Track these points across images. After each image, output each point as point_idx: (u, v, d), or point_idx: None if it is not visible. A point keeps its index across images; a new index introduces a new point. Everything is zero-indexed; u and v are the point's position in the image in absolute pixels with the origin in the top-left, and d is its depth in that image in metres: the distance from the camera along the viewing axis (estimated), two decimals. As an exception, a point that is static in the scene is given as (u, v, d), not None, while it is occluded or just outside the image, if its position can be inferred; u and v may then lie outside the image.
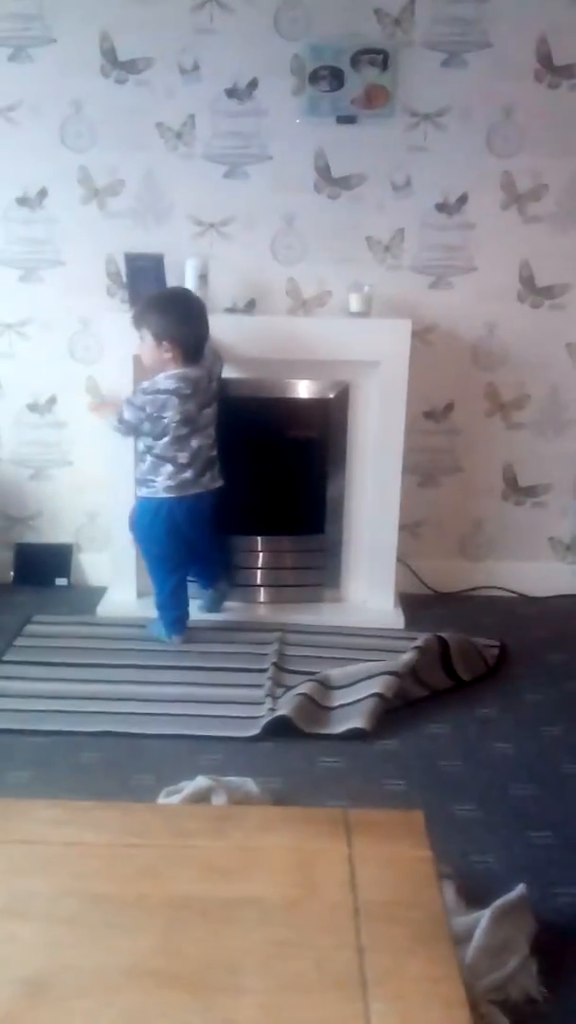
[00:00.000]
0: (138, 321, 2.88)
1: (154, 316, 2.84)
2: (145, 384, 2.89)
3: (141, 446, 2.99)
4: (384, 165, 3.14)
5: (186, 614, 3.11)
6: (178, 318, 2.84)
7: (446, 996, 1.00)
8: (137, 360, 3.10)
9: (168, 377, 2.85)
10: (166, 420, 2.86)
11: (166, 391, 2.84)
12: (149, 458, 2.94)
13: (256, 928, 1.09)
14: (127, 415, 2.88)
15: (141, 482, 2.99)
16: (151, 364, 2.91)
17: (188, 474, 2.94)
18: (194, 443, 2.92)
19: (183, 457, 2.92)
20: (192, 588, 3.18)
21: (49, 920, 1.09)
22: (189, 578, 3.15)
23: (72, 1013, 0.96)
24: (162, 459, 2.91)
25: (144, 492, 2.98)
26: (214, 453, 3.00)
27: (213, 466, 3.01)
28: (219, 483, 3.03)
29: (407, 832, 1.27)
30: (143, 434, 2.92)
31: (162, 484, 2.93)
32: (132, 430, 2.94)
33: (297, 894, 1.15)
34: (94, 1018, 0.95)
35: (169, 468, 2.92)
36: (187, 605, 3.11)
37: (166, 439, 2.89)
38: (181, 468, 2.92)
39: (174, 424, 2.87)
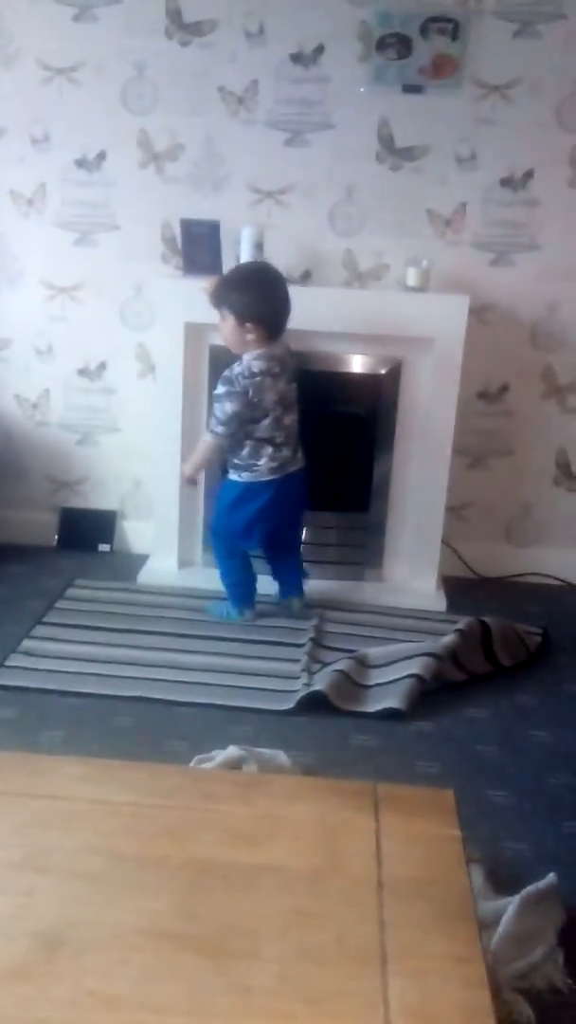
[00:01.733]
0: (217, 300, 2.79)
1: (235, 295, 2.76)
2: (236, 370, 2.78)
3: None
4: (449, 137, 3.07)
5: (255, 588, 3.08)
6: (261, 297, 2.76)
7: (467, 976, 0.97)
8: (188, 329, 3.09)
9: (257, 358, 2.77)
10: (265, 402, 2.80)
11: (260, 373, 2.77)
12: (249, 442, 2.85)
13: (277, 896, 1.07)
14: (221, 412, 2.78)
15: (241, 467, 2.88)
16: (233, 344, 2.83)
17: (287, 452, 2.89)
18: (287, 421, 2.87)
19: (280, 437, 2.86)
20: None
21: (69, 875, 1.08)
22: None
23: (86, 969, 0.95)
24: (263, 441, 2.84)
25: (245, 476, 2.88)
26: (298, 429, 2.94)
27: (299, 442, 2.95)
28: (304, 460, 2.97)
29: (437, 810, 1.24)
30: (243, 422, 2.81)
31: (266, 466, 2.86)
32: (229, 424, 2.80)
33: (321, 865, 1.13)
34: (108, 975, 0.94)
35: (270, 450, 2.85)
36: (255, 579, 3.08)
37: (266, 421, 2.82)
38: (279, 447, 2.87)
39: (271, 404, 2.81)
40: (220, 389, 2.79)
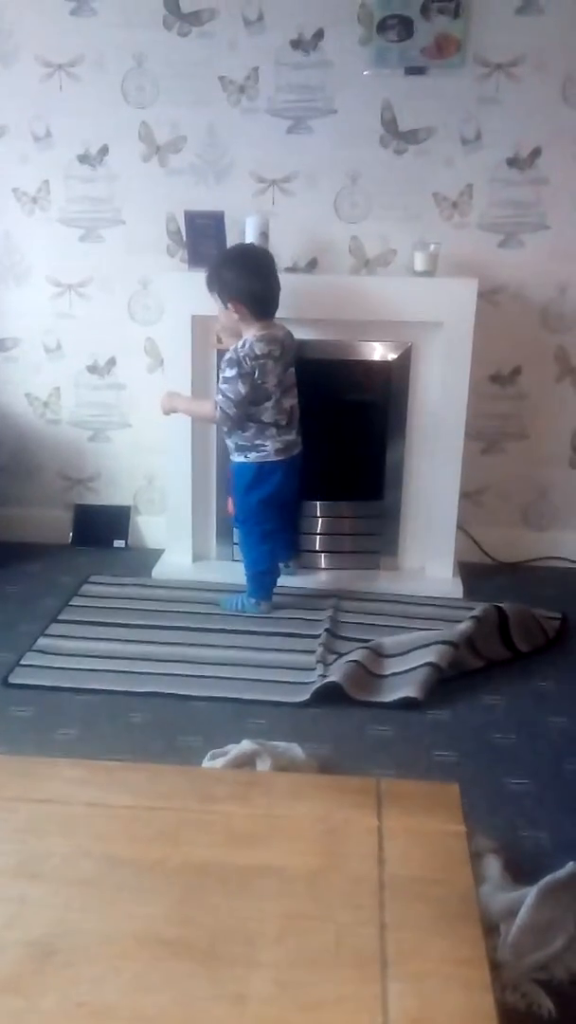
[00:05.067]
0: (209, 286, 2.81)
1: (218, 279, 2.77)
2: (241, 351, 2.76)
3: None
4: (453, 118, 3.02)
5: (276, 580, 3.08)
6: (242, 276, 2.76)
7: (469, 979, 0.95)
8: (196, 322, 3.06)
9: (260, 340, 2.76)
10: (268, 384, 2.80)
11: (264, 355, 2.76)
12: (252, 425, 2.85)
13: (275, 899, 1.05)
14: (233, 392, 2.76)
15: (247, 448, 2.88)
16: (227, 326, 2.85)
17: (291, 435, 2.91)
18: (287, 403, 2.87)
19: (283, 419, 2.87)
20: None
21: (62, 882, 1.06)
22: None
23: (78, 979, 0.93)
24: (267, 423, 2.85)
25: (253, 456, 2.88)
26: (298, 413, 2.95)
27: (299, 426, 2.96)
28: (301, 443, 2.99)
29: (441, 805, 1.21)
30: (248, 404, 2.80)
31: (272, 447, 2.87)
32: (239, 405, 2.78)
33: (320, 865, 1.11)
34: (100, 985, 0.93)
35: (273, 431, 2.86)
36: (279, 572, 3.09)
37: (269, 403, 2.82)
38: (283, 430, 2.87)
39: (273, 387, 2.81)
40: (229, 371, 2.77)
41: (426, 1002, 0.92)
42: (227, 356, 2.79)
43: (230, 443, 2.92)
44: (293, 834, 1.16)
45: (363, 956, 0.97)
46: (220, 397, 2.79)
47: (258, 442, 2.87)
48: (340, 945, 0.99)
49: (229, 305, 2.77)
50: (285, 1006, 0.91)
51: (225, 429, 2.88)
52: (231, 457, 2.96)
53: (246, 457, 2.90)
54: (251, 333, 2.78)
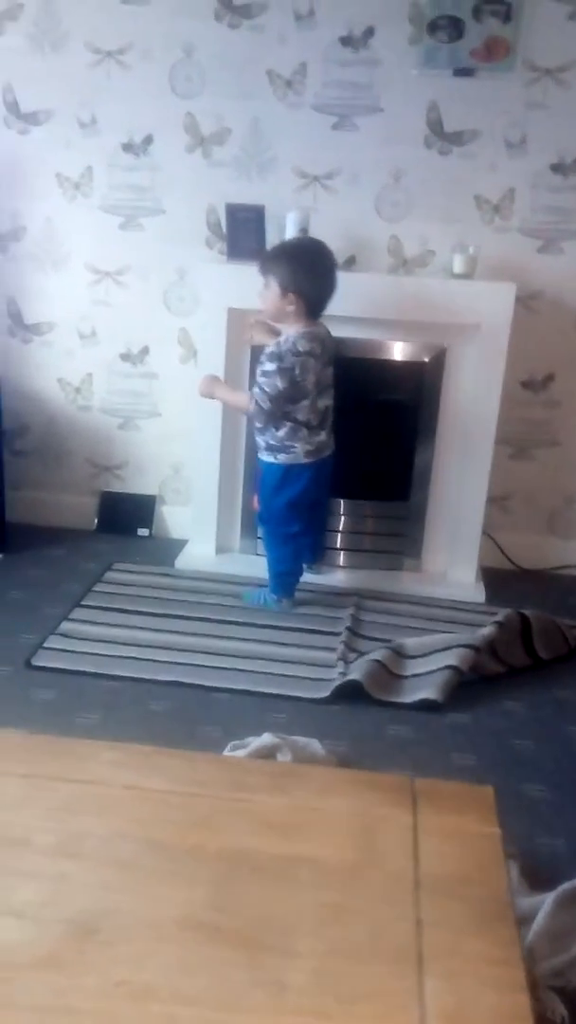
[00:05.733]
0: (265, 268, 2.77)
1: (284, 265, 2.74)
2: (284, 345, 2.75)
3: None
4: (499, 121, 3.02)
5: (299, 579, 3.08)
6: (308, 271, 2.74)
7: (505, 980, 0.95)
8: (231, 314, 3.07)
9: (303, 337, 2.75)
10: (307, 382, 2.78)
11: (306, 352, 2.76)
12: (287, 423, 2.83)
13: (311, 890, 1.05)
14: (270, 387, 2.74)
15: (278, 448, 2.86)
16: (272, 313, 2.82)
17: (322, 436, 2.88)
18: (321, 403, 2.85)
19: (315, 419, 2.84)
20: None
21: (101, 862, 1.07)
22: None
23: (118, 958, 0.94)
24: (300, 424, 2.83)
25: (282, 458, 2.87)
26: (332, 415, 2.93)
27: (332, 427, 2.94)
28: (334, 445, 2.97)
29: (476, 807, 1.21)
30: (285, 400, 2.78)
31: (302, 449, 2.85)
32: (276, 400, 2.76)
33: (356, 859, 1.11)
34: (140, 964, 0.93)
35: (305, 432, 2.84)
36: (302, 571, 3.09)
37: (305, 402, 2.80)
38: (315, 431, 2.86)
39: (312, 385, 2.80)
40: (269, 365, 2.76)
41: (462, 1000, 0.92)
42: (268, 350, 2.78)
43: (260, 441, 2.91)
44: (329, 827, 1.16)
45: (399, 951, 0.98)
46: (257, 390, 2.78)
47: (288, 443, 2.85)
48: (376, 939, 0.99)
49: (289, 295, 2.73)
50: (323, 996, 0.91)
51: (258, 425, 2.87)
52: (259, 456, 2.95)
53: (275, 458, 2.89)
54: (295, 329, 2.77)
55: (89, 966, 0.92)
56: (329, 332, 2.86)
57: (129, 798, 1.19)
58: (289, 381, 2.75)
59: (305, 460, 2.86)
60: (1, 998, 0.89)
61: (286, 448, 2.86)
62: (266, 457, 2.91)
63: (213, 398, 2.99)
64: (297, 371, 2.75)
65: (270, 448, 2.89)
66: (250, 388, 2.85)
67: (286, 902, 1.03)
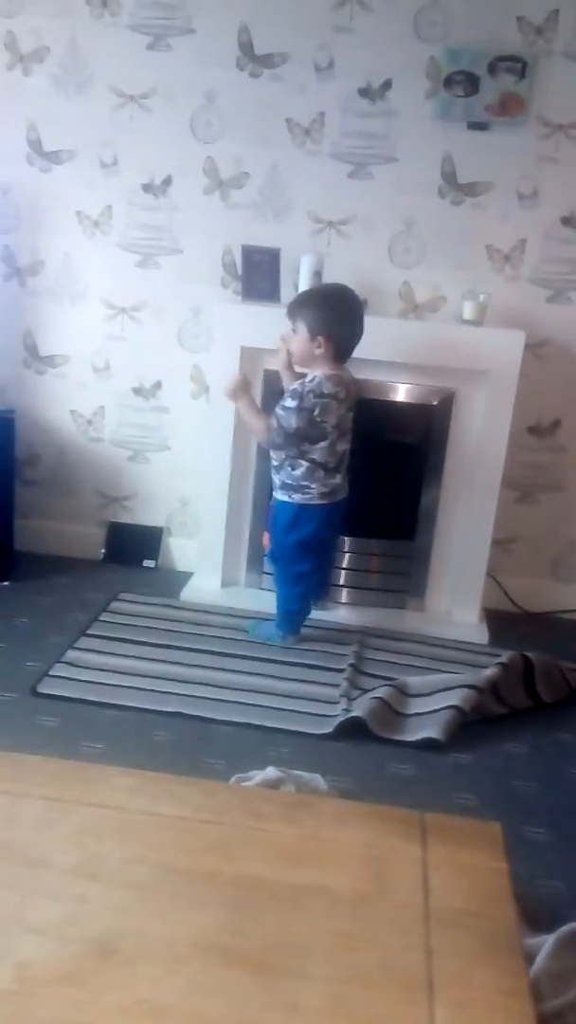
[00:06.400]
0: (294, 312, 2.82)
1: (312, 310, 2.79)
2: (308, 385, 2.79)
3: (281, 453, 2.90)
4: (512, 174, 3.10)
5: (307, 618, 3.11)
6: (337, 316, 2.80)
7: (514, 1010, 0.97)
8: (244, 353, 3.12)
9: (329, 379, 2.79)
10: (327, 423, 2.82)
11: (330, 395, 2.80)
12: (304, 463, 2.86)
13: (324, 917, 1.08)
14: (286, 423, 2.79)
15: (293, 488, 2.89)
16: (300, 358, 2.85)
17: (338, 480, 2.91)
18: (340, 447, 2.88)
19: (333, 462, 2.88)
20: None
21: (120, 885, 1.09)
22: None
23: (137, 978, 0.96)
24: (317, 465, 2.86)
25: (297, 498, 2.90)
26: (349, 459, 2.96)
27: (348, 471, 2.97)
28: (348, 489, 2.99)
29: (484, 842, 1.24)
30: (301, 440, 2.83)
31: (317, 491, 2.88)
32: (288, 437, 2.82)
33: (367, 889, 1.13)
34: (158, 986, 0.95)
35: (322, 474, 2.87)
36: (310, 610, 3.12)
37: (323, 444, 2.84)
38: (331, 473, 2.89)
39: (332, 427, 2.83)
40: (290, 403, 2.80)
41: (472, 1028, 0.95)
42: (292, 387, 2.83)
43: (276, 480, 2.94)
44: (341, 857, 1.19)
45: (410, 979, 1.00)
46: (273, 421, 2.82)
47: (304, 484, 2.88)
48: (388, 967, 1.01)
49: (318, 338, 2.77)
50: (336, 1018, 0.93)
51: (275, 463, 2.90)
52: (274, 494, 2.98)
53: (290, 497, 2.92)
54: (321, 371, 2.82)
55: (109, 984, 0.95)
56: (354, 377, 2.91)
57: (146, 823, 1.21)
58: (307, 422, 2.79)
59: (319, 501, 2.90)
60: (24, 1012, 0.91)
61: (301, 488, 2.89)
62: (281, 496, 2.94)
63: (234, 404, 3.00)
64: (318, 412, 2.79)
65: (285, 487, 2.92)
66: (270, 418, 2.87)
67: (299, 928, 1.06)
